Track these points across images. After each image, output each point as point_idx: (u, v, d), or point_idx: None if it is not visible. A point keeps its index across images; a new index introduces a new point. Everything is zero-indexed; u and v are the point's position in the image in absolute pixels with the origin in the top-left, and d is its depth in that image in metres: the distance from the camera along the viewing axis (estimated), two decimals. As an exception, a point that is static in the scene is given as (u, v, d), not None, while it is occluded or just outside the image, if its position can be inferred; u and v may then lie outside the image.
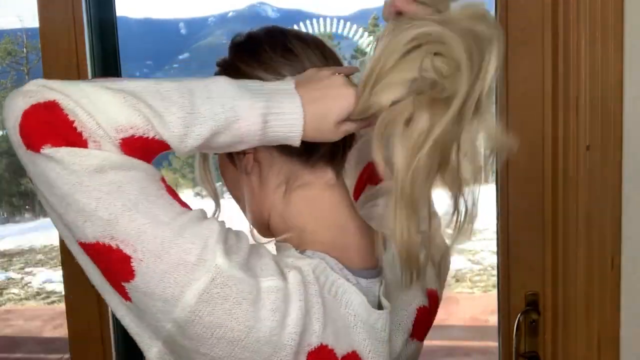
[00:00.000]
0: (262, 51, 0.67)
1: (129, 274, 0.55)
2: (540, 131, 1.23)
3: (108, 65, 1.37)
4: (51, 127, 0.53)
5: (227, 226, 0.60)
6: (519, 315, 1.26)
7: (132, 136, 0.54)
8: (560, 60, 1.18)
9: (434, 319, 0.79)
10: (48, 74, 1.31)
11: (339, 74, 0.64)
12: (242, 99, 0.58)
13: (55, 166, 0.53)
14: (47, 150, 0.53)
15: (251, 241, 0.62)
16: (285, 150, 0.65)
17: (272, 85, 0.62)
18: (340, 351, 0.61)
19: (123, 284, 0.56)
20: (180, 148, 0.56)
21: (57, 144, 0.53)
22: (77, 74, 1.30)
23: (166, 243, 0.54)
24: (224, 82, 0.59)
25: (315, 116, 0.60)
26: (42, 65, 1.30)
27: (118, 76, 1.37)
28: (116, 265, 0.55)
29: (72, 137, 0.53)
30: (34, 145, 0.53)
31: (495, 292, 1.38)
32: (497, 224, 1.29)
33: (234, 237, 0.59)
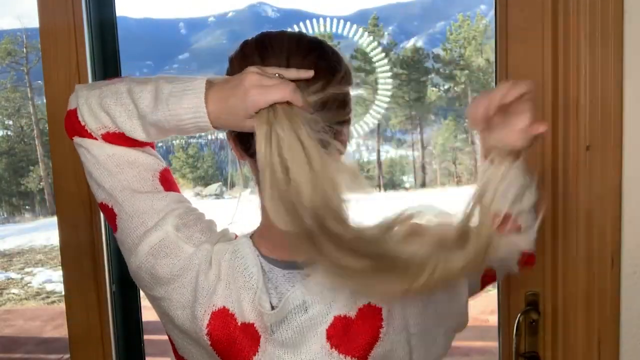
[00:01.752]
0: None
1: (115, 228, 0.80)
2: (540, 131, 1.23)
3: (108, 65, 1.37)
4: (75, 127, 0.79)
5: (198, 211, 0.80)
6: (519, 315, 1.26)
7: (107, 132, 0.78)
8: (560, 60, 1.18)
9: (367, 335, 0.73)
10: (48, 74, 1.31)
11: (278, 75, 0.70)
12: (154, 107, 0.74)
13: (83, 150, 0.80)
14: (77, 139, 0.80)
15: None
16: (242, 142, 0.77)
17: (181, 87, 0.73)
18: (240, 318, 0.74)
19: (114, 234, 0.81)
20: (137, 137, 0.77)
21: (81, 136, 0.79)
22: (77, 74, 1.31)
23: (139, 210, 0.77)
24: (147, 93, 0.74)
25: (220, 110, 0.70)
26: (42, 65, 1.30)
27: (118, 76, 1.37)
28: (110, 220, 0.80)
29: (85, 134, 0.79)
30: (70, 136, 0.80)
31: (495, 292, 1.38)
32: (497, 224, 1.29)
33: (194, 219, 0.78)
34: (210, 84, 0.72)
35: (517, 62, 1.21)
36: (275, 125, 0.66)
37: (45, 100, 1.34)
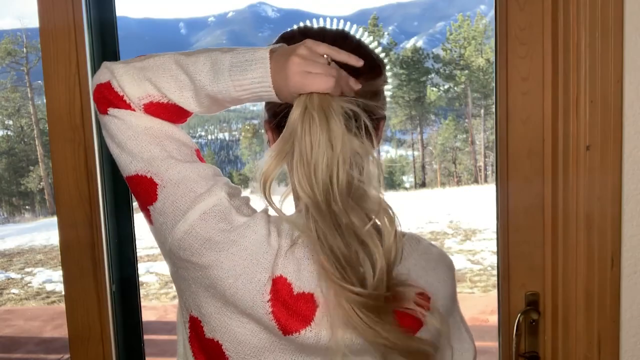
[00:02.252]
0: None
1: (154, 198, 0.77)
2: (540, 131, 1.23)
3: (108, 65, 1.37)
4: (110, 98, 0.78)
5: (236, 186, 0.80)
6: (519, 315, 1.26)
7: (151, 102, 0.77)
8: (560, 60, 1.18)
9: (414, 318, 0.77)
10: (48, 74, 1.31)
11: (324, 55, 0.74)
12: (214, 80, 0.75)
13: (117, 122, 0.78)
14: (112, 111, 0.78)
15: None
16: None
17: (242, 57, 0.74)
18: (297, 289, 0.74)
19: (148, 207, 0.78)
20: (188, 107, 0.78)
21: (117, 107, 0.78)
22: (77, 74, 1.30)
23: (185, 177, 0.76)
24: (202, 65, 0.75)
25: (276, 84, 0.73)
26: (42, 65, 1.30)
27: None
28: (148, 191, 0.77)
29: (123, 105, 0.78)
30: (102, 110, 0.79)
31: (495, 292, 1.38)
32: (497, 224, 1.29)
33: (238, 191, 0.79)
34: (271, 54, 0.73)
35: (517, 62, 1.22)
36: (310, 109, 0.70)
37: (45, 100, 1.33)
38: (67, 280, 1.36)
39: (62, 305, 1.41)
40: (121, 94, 0.77)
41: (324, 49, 0.73)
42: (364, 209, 0.72)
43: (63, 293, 1.38)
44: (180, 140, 0.80)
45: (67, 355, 1.40)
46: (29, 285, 7.96)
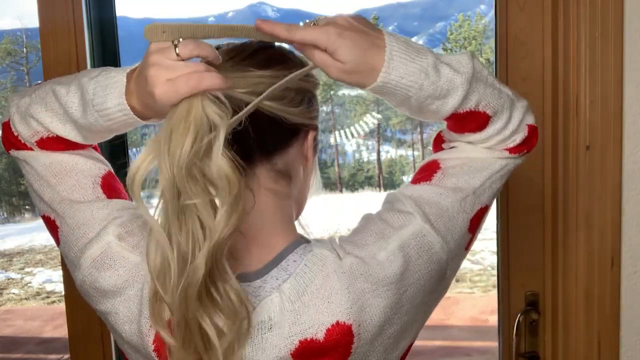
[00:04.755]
0: None
1: (58, 241, 0.76)
2: (541, 131, 1.23)
3: (108, 65, 1.36)
4: (10, 139, 0.77)
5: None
6: (519, 315, 1.26)
7: (41, 138, 0.74)
8: (560, 60, 1.18)
9: (337, 355, 0.68)
10: (48, 74, 1.31)
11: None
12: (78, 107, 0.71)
13: (22, 163, 0.77)
14: (13, 152, 0.78)
15: None
16: None
17: (103, 84, 0.68)
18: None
19: (57, 247, 0.77)
20: (75, 140, 0.74)
21: (17, 148, 0.77)
22: (77, 74, 1.30)
23: (80, 221, 0.73)
24: (73, 95, 0.70)
25: (142, 107, 0.66)
26: (42, 65, 1.30)
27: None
28: (53, 233, 0.76)
29: (20, 145, 0.76)
30: (7, 150, 0.78)
31: (495, 292, 1.38)
32: (497, 224, 1.29)
33: (140, 226, 0.72)
34: (131, 76, 0.66)
35: (517, 62, 1.22)
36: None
37: (45, 100, 1.33)
38: (67, 280, 1.35)
39: (62, 305, 1.41)
40: (16, 133, 0.75)
41: (179, 49, 0.62)
42: (205, 176, 0.59)
43: (63, 293, 1.38)
44: (82, 171, 0.75)
45: (67, 355, 1.40)
46: (29, 285, 7.96)
